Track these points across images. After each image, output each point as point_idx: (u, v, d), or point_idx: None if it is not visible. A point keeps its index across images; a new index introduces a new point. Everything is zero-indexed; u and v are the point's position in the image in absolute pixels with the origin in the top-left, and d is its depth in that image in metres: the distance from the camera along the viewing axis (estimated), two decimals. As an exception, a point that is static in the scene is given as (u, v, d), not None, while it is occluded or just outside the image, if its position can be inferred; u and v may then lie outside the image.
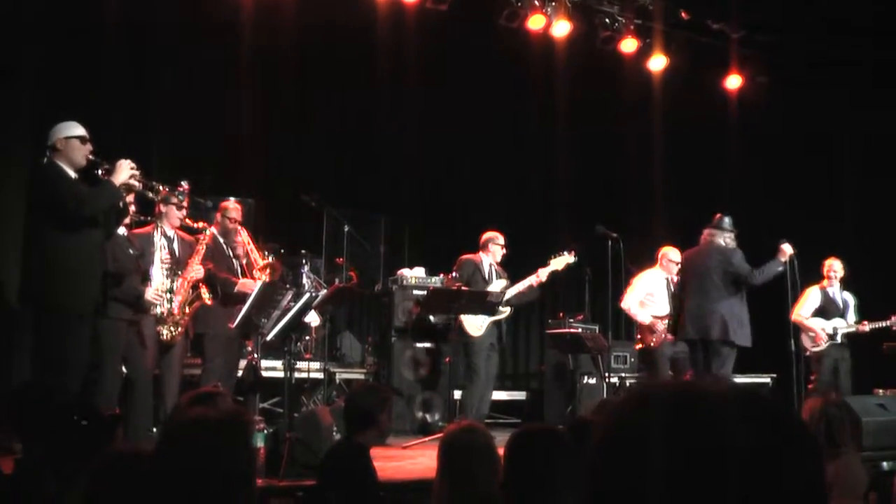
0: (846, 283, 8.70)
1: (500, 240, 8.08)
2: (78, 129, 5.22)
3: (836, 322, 8.48)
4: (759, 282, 7.42)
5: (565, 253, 7.99)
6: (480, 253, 8.07)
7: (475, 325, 7.78)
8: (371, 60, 9.46)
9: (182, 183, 5.73)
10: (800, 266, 7.79)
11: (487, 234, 8.13)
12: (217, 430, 1.98)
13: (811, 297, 8.55)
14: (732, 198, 10.50)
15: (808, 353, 8.53)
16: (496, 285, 7.92)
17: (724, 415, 0.91)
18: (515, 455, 2.72)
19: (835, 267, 8.57)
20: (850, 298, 8.63)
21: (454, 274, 8.04)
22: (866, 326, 8.43)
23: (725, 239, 7.57)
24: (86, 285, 5.10)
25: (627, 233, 8.60)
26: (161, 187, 5.60)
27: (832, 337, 8.41)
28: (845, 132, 10.16)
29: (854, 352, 8.56)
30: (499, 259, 8.08)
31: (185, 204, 6.57)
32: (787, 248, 7.49)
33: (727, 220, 7.65)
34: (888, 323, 8.37)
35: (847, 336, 8.47)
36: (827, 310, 8.53)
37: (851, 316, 8.57)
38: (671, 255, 8.34)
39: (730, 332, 7.29)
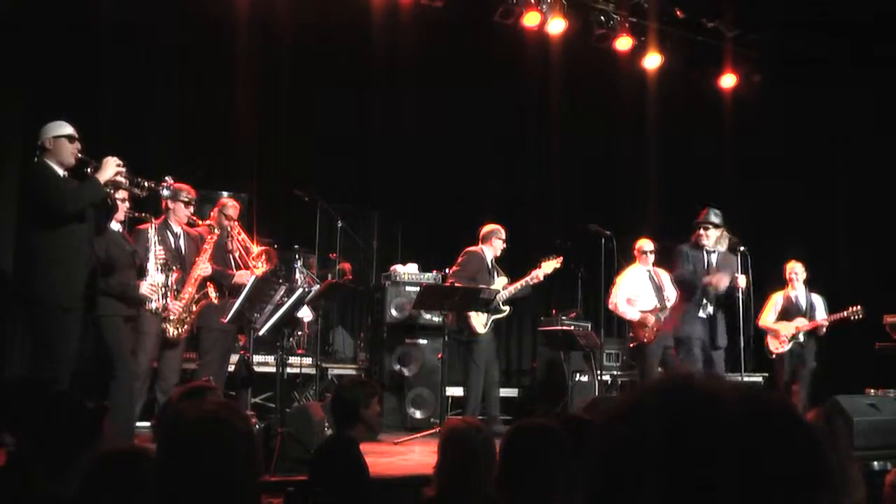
0: (811, 284, 8.69)
1: (503, 234, 8.07)
2: (66, 129, 5.29)
3: (798, 321, 8.51)
4: None
5: (552, 258, 7.98)
6: (482, 246, 8.06)
7: (480, 322, 7.80)
8: (366, 57, 9.45)
9: (166, 178, 5.77)
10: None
11: (489, 227, 8.09)
12: (212, 428, 1.91)
13: (773, 303, 8.62)
14: (726, 196, 10.51)
15: (773, 356, 8.59)
16: (499, 282, 7.93)
17: (727, 413, 0.90)
18: (512, 451, 2.70)
19: (796, 269, 8.58)
20: (818, 300, 8.62)
21: (457, 267, 8.01)
22: (826, 320, 8.43)
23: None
24: (70, 279, 5.16)
25: (620, 231, 8.60)
26: (146, 183, 5.64)
27: (794, 336, 8.44)
28: (839, 131, 10.17)
29: (838, 351, 8.57)
30: (498, 253, 8.06)
31: (192, 201, 6.64)
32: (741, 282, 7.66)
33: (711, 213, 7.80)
34: (846, 313, 8.32)
35: (808, 334, 8.47)
36: (789, 311, 8.56)
37: (820, 316, 8.56)
38: (645, 246, 8.24)
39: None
